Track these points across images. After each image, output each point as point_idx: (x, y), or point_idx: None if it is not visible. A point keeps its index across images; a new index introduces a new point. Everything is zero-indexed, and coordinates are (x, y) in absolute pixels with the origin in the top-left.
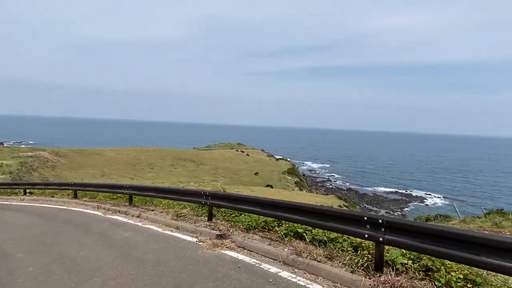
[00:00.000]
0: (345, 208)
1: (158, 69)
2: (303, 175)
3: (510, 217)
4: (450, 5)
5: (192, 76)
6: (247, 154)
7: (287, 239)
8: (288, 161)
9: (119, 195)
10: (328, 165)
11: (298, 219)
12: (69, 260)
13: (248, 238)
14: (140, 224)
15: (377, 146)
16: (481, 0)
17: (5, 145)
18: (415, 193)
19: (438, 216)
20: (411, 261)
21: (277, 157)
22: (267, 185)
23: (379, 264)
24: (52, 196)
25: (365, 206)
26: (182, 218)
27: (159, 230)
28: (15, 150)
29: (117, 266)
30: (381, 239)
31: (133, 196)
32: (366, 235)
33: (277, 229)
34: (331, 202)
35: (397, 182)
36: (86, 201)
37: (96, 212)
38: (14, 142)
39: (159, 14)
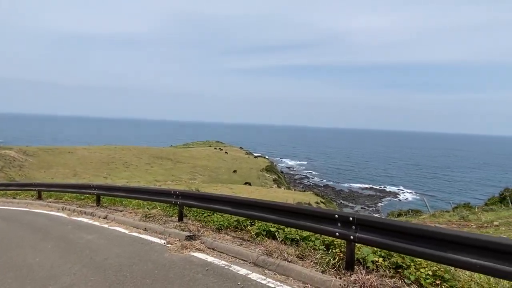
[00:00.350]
0: (322, 205)
1: (130, 65)
2: (282, 172)
3: (476, 210)
4: (424, 5)
5: (166, 72)
6: (226, 152)
7: (259, 238)
8: (267, 158)
9: (86, 195)
10: (306, 162)
11: (270, 218)
12: (23, 268)
13: (219, 239)
14: (106, 226)
15: (352, 143)
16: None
17: None
18: (388, 188)
19: (410, 211)
20: (381, 259)
21: (256, 154)
22: (246, 183)
23: (350, 263)
24: (14, 198)
25: (341, 202)
26: (152, 219)
27: (126, 232)
28: None
29: (75, 273)
30: (351, 237)
31: (101, 197)
32: (337, 234)
33: (250, 228)
34: (309, 199)
35: (371, 178)
36: (50, 202)
37: (60, 214)
38: None
39: (128, 8)
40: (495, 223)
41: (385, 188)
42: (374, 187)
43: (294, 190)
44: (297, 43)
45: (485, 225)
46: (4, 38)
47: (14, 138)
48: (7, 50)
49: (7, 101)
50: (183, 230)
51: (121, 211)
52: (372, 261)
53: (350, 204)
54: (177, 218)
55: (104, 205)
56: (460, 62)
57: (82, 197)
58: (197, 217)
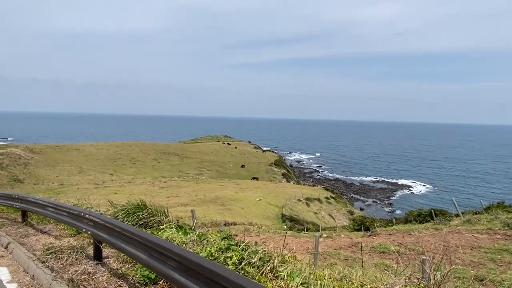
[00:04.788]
0: (332, 200)
1: (136, 62)
2: (291, 166)
3: None
4: None
5: (173, 68)
6: (235, 147)
7: None
8: (275, 152)
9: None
10: (315, 156)
11: None
12: None
13: None
14: None
15: (362, 136)
16: None
17: None
18: (400, 181)
19: (434, 212)
20: None
21: (264, 148)
22: (253, 178)
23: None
24: None
25: (352, 196)
26: (57, 255)
27: (7, 279)
28: None
29: None
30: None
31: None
32: None
33: None
34: (318, 193)
35: (383, 171)
36: None
37: None
38: None
39: (133, 5)
40: None
41: (397, 181)
42: (386, 180)
43: (304, 184)
44: (304, 36)
45: None
46: (13, 39)
47: (24, 136)
48: (17, 51)
49: (19, 100)
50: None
51: (45, 232)
52: None
53: (362, 198)
54: (93, 254)
55: (31, 222)
56: (472, 50)
57: (4, 209)
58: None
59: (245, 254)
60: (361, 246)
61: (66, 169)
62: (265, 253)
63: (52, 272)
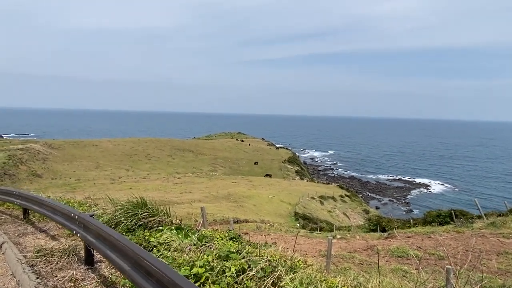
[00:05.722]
0: (347, 198)
1: (153, 59)
2: (304, 163)
3: None
4: None
5: (188, 66)
6: (249, 144)
7: None
8: (289, 149)
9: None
10: (330, 153)
11: None
12: None
13: None
14: None
15: (378, 133)
16: None
17: (4, 137)
18: (418, 180)
19: (453, 213)
20: None
21: (278, 145)
22: (266, 175)
23: None
24: None
25: (367, 195)
26: (47, 258)
27: None
28: (6, 143)
29: None
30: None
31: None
32: None
33: None
34: (332, 192)
35: (399, 169)
36: None
37: None
38: (13, 135)
39: (150, 3)
40: None
41: (414, 180)
42: (402, 178)
43: (318, 182)
44: (319, 32)
45: None
46: (37, 37)
47: (45, 133)
48: (40, 49)
49: (40, 97)
50: None
51: (44, 231)
52: None
53: (377, 197)
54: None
55: (32, 220)
56: (493, 45)
57: (5, 206)
58: None
59: (246, 265)
60: (378, 250)
61: (83, 164)
62: (268, 263)
63: (37, 278)
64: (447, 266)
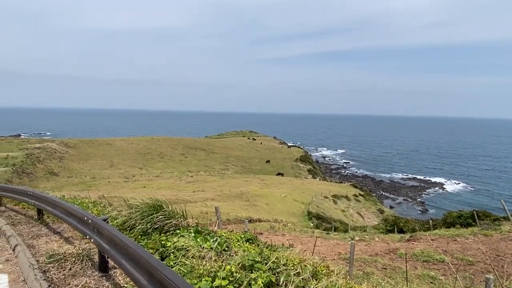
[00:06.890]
0: (361, 197)
1: (166, 59)
2: (317, 162)
3: None
4: None
5: (201, 65)
6: (261, 143)
7: None
8: (301, 148)
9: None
10: (342, 152)
11: None
12: None
13: None
14: None
15: (392, 131)
16: None
17: (22, 136)
18: (433, 179)
19: (476, 213)
20: None
21: (290, 144)
22: (278, 173)
23: None
24: None
25: (381, 194)
26: (59, 263)
27: None
28: (24, 142)
29: None
30: None
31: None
32: None
33: None
34: (346, 191)
35: (414, 168)
36: None
37: None
38: (31, 134)
39: (161, 2)
40: None
41: (430, 179)
42: (417, 177)
43: (330, 181)
44: (332, 29)
45: None
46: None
47: (61, 132)
48: (58, 50)
49: (57, 97)
50: None
51: (58, 233)
52: None
53: (392, 196)
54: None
55: (47, 221)
56: (508, 42)
57: (20, 206)
58: None
59: (273, 277)
60: (405, 255)
61: (98, 163)
62: (297, 273)
63: (49, 286)
64: (486, 276)
